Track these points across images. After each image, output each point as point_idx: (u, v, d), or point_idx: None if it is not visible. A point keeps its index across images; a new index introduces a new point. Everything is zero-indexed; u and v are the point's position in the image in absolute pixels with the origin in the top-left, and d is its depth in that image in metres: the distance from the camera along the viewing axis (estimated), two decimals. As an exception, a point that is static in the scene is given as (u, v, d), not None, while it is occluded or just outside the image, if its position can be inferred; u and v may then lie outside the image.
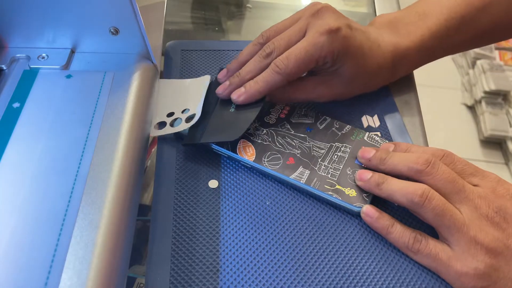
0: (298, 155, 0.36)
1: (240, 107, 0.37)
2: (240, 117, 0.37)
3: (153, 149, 0.44)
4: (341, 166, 0.36)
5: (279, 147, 0.36)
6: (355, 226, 0.33)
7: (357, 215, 0.33)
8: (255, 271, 0.30)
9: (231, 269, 0.30)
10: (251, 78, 0.37)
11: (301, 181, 0.34)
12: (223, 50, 0.46)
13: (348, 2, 0.61)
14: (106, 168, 0.29)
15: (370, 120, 0.41)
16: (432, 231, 0.32)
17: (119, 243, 0.27)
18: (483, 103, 1.39)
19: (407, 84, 0.45)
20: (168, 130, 0.36)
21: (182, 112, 0.37)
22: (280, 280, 0.30)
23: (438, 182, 0.31)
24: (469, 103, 1.47)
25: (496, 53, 1.51)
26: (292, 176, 0.34)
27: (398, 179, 0.32)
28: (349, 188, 0.34)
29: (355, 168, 0.35)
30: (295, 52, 0.36)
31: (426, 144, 0.40)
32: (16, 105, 0.33)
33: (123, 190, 0.29)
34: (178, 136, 0.37)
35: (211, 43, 0.47)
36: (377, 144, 0.37)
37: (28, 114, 0.32)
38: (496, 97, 1.40)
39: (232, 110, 0.37)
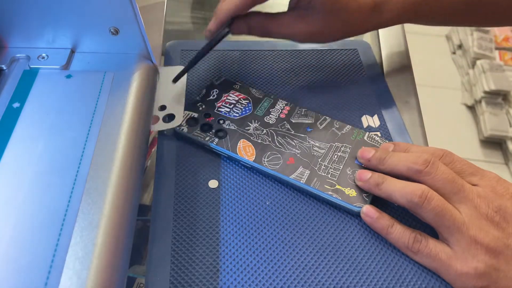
0: (298, 155, 0.36)
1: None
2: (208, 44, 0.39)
3: (153, 149, 0.44)
4: (341, 166, 0.35)
5: (279, 147, 0.36)
6: (355, 226, 0.33)
7: (357, 215, 0.33)
8: (255, 271, 0.30)
9: (231, 269, 0.30)
10: None
11: (301, 181, 0.34)
12: (223, 50, 0.46)
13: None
14: (106, 168, 0.29)
15: (370, 120, 0.41)
16: (432, 231, 0.32)
17: (119, 243, 0.27)
18: (483, 103, 1.39)
19: (407, 84, 0.45)
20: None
21: (160, 109, 0.38)
22: (280, 280, 0.30)
23: (437, 182, 0.31)
24: (469, 103, 1.46)
25: (496, 53, 1.51)
26: (292, 176, 0.34)
27: (398, 179, 0.32)
28: (349, 188, 0.34)
29: (355, 168, 0.35)
30: None
31: (426, 144, 0.40)
32: (16, 105, 0.33)
33: (123, 190, 0.29)
34: (178, 136, 0.37)
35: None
36: (377, 144, 0.37)
37: (28, 114, 0.32)
38: (496, 97, 1.40)
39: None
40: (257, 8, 0.39)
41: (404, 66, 0.48)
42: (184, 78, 0.40)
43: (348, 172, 0.35)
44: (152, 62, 0.38)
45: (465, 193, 0.30)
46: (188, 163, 0.36)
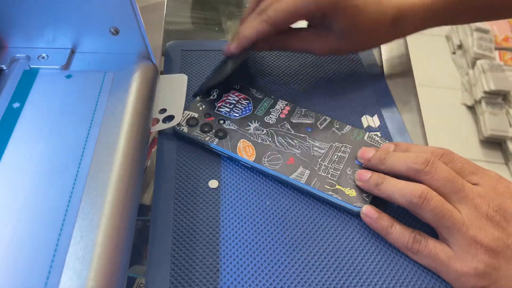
0: (298, 155, 0.36)
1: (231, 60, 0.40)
2: (227, 66, 0.40)
3: (153, 149, 0.44)
4: (341, 166, 0.36)
5: (279, 147, 0.36)
6: (355, 226, 0.33)
7: (357, 215, 0.33)
8: (255, 271, 0.30)
9: (231, 269, 0.30)
10: None
11: (301, 181, 0.34)
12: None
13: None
14: (106, 168, 0.29)
15: (370, 120, 0.41)
16: (432, 231, 0.32)
17: (119, 243, 0.27)
18: (483, 103, 1.39)
19: (407, 84, 0.45)
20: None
21: (160, 112, 0.38)
22: (280, 280, 0.30)
23: (437, 182, 0.31)
24: (469, 103, 1.46)
25: (496, 53, 1.51)
26: (292, 176, 0.34)
27: (397, 179, 0.32)
28: (349, 188, 0.34)
29: (355, 168, 0.35)
30: (284, 5, 0.37)
31: (426, 144, 0.40)
32: (16, 105, 0.33)
33: (123, 190, 0.29)
34: (178, 136, 0.37)
35: (211, 43, 0.47)
36: (377, 144, 0.37)
37: (28, 114, 0.32)
38: (496, 97, 1.40)
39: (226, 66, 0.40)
40: None
41: (404, 66, 0.48)
42: (184, 79, 0.41)
43: (348, 172, 0.35)
44: (152, 62, 0.38)
45: (465, 193, 0.30)
46: (188, 163, 0.36)
